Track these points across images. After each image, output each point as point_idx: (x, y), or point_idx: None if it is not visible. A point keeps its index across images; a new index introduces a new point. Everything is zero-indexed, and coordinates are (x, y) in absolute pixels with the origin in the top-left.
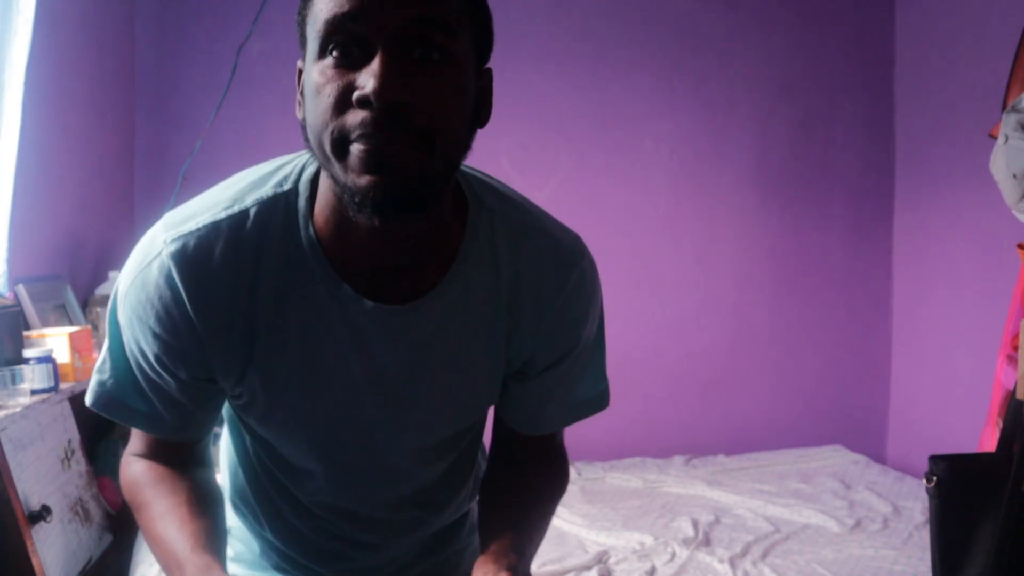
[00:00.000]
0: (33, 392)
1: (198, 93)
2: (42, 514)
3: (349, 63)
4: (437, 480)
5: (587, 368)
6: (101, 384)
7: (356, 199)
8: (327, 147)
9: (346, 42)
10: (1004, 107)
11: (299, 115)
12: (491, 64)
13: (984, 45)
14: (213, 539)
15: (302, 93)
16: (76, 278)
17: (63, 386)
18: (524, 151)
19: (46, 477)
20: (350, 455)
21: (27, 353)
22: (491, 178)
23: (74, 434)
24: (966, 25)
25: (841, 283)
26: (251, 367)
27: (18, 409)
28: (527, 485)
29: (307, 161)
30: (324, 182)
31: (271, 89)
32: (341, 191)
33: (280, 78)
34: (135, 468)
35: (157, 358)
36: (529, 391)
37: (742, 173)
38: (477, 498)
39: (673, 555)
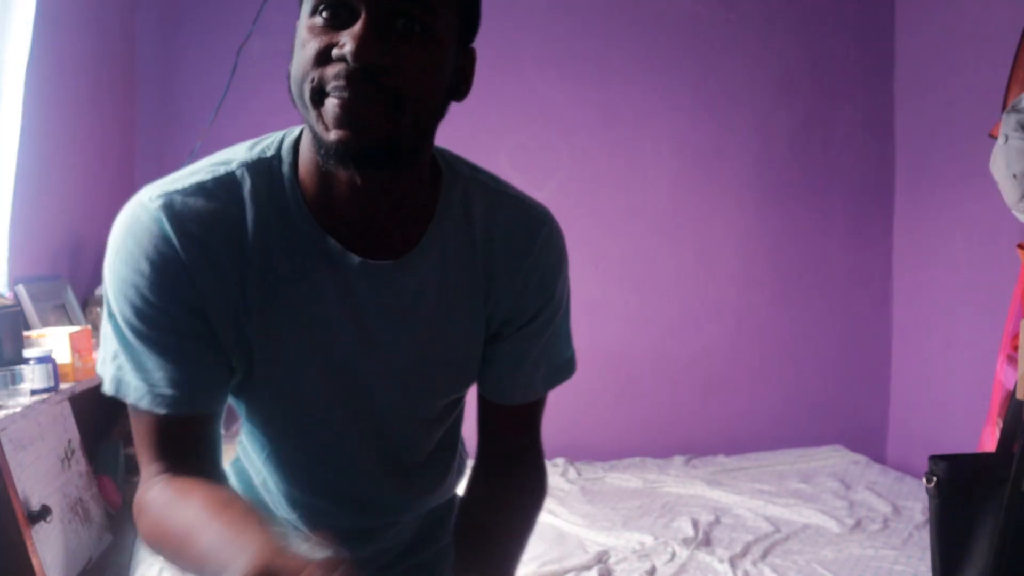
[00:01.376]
0: (33, 392)
1: (198, 93)
2: (42, 514)
3: (336, 24)
4: (424, 461)
5: (557, 332)
6: (115, 366)
7: (324, 151)
8: (306, 96)
9: (335, 5)
10: (1004, 107)
11: (289, 69)
12: (491, 64)
13: (984, 45)
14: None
15: (295, 50)
16: (76, 278)
17: (63, 386)
18: (524, 151)
19: (46, 477)
20: (342, 414)
21: (27, 353)
22: (465, 158)
23: (74, 434)
24: (966, 25)
25: (841, 283)
26: (245, 319)
27: (18, 409)
28: (507, 503)
29: (286, 133)
30: (306, 139)
31: (271, 89)
32: (315, 143)
33: (280, 78)
34: (154, 492)
35: (149, 303)
36: (505, 351)
37: (742, 173)
38: (460, 493)
39: (673, 555)
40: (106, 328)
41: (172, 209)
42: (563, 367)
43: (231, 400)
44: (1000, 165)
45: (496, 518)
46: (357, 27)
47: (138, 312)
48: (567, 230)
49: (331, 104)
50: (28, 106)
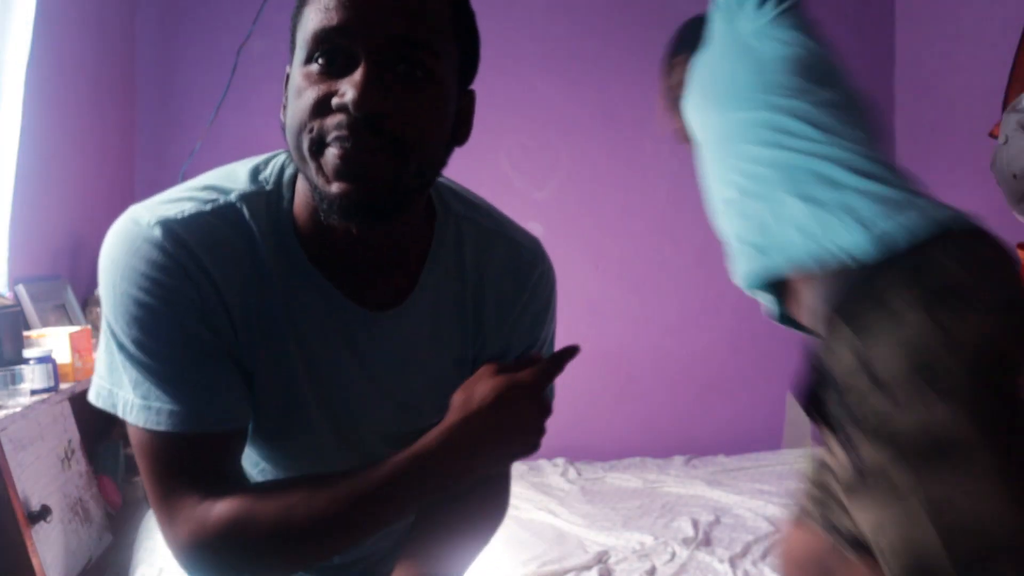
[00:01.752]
0: (33, 392)
1: (198, 93)
2: (42, 514)
3: (333, 71)
4: None
5: None
6: (139, 395)
7: (326, 204)
8: (304, 148)
9: (332, 51)
10: (1004, 107)
11: (282, 118)
12: (491, 64)
13: (984, 45)
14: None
15: (287, 97)
16: (76, 278)
17: (63, 386)
18: (524, 151)
19: (46, 477)
20: (333, 440)
21: (27, 353)
22: (457, 185)
23: (74, 434)
24: (966, 25)
25: None
26: (243, 350)
27: (18, 409)
28: (465, 516)
29: (285, 162)
30: (301, 184)
31: (271, 89)
32: (316, 195)
33: (280, 78)
34: (221, 506)
35: (164, 320)
36: None
37: None
38: None
39: (673, 555)
40: (114, 355)
41: (174, 236)
42: None
43: None
44: (1000, 165)
45: (450, 524)
46: (357, 75)
47: (153, 333)
48: (567, 230)
49: (332, 155)
50: (28, 106)
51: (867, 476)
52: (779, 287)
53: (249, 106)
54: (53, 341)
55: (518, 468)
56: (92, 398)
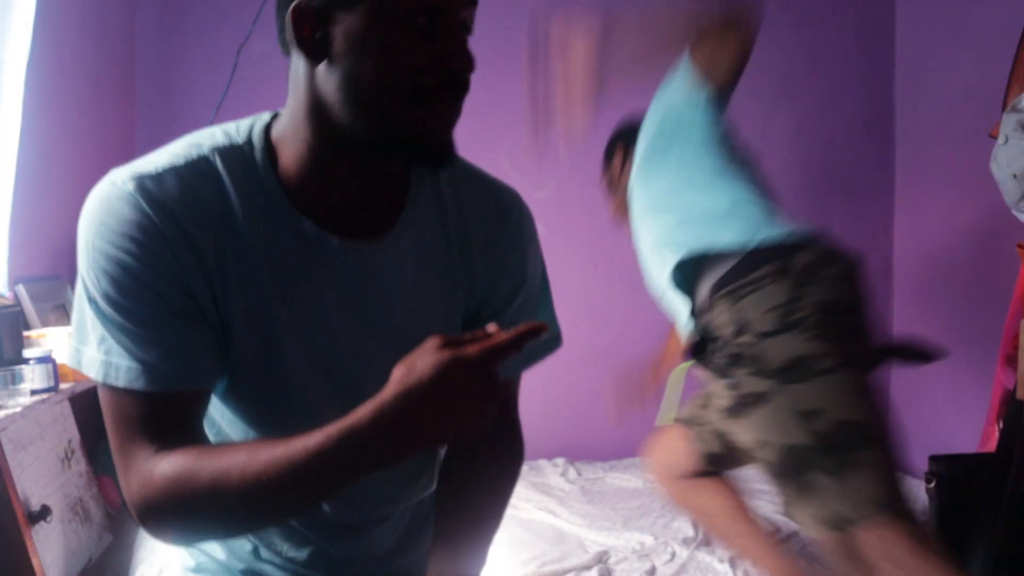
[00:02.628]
0: (33, 392)
1: (198, 93)
2: (42, 514)
3: (429, 33)
4: None
5: (538, 310)
6: (102, 351)
7: (420, 152)
8: (401, 101)
9: (433, 12)
10: (1004, 107)
11: (327, 66)
12: (491, 64)
13: (984, 45)
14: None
15: (348, 47)
16: (76, 278)
17: (63, 386)
18: (524, 151)
19: (46, 477)
20: (325, 392)
21: (27, 353)
22: None
23: (74, 434)
24: (966, 25)
25: None
26: (223, 300)
27: (18, 409)
28: (482, 474)
29: (253, 120)
30: (293, 131)
31: (271, 89)
32: (397, 142)
33: (280, 78)
34: (165, 463)
35: (135, 277)
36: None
37: None
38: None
39: (673, 555)
40: (84, 313)
41: (146, 190)
42: (548, 342)
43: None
44: (1000, 165)
45: (471, 492)
46: (461, 38)
47: (123, 289)
48: (567, 230)
49: (436, 111)
50: (28, 106)
51: (749, 400)
52: (687, 285)
53: (249, 106)
54: (53, 341)
55: None
56: (65, 358)
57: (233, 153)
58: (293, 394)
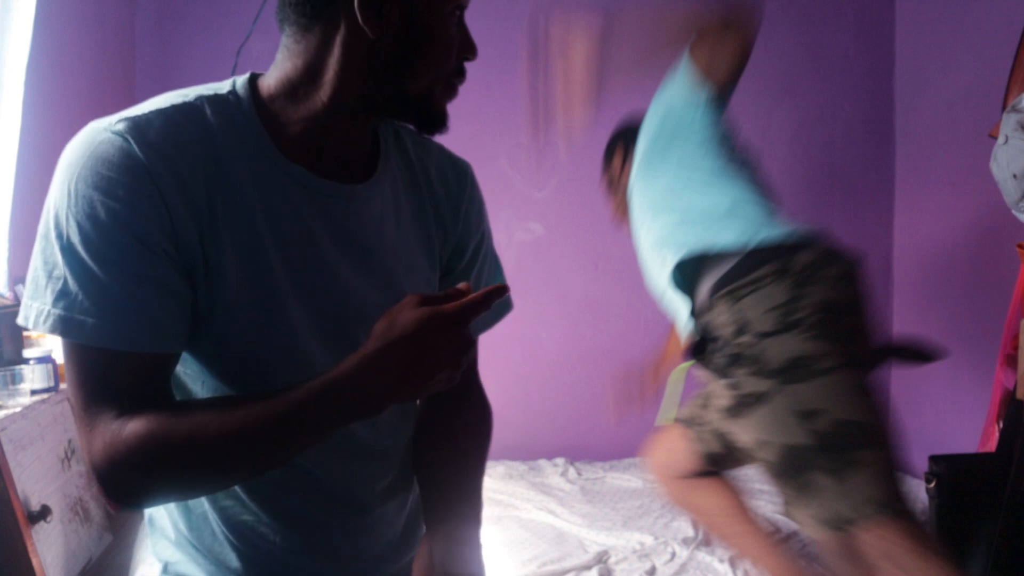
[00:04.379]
0: (33, 392)
1: None
2: (42, 514)
3: (459, 24)
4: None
5: (495, 268)
6: (64, 304)
7: (428, 117)
8: (427, 79)
9: (463, 9)
10: (1004, 107)
11: (370, 40)
12: (491, 64)
13: (984, 45)
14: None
15: (404, 25)
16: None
17: (63, 386)
18: (524, 151)
19: (46, 477)
20: (320, 339)
21: (27, 353)
22: None
23: (74, 434)
24: (966, 25)
25: None
26: (212, 242)
27: (18, 409)
28: (456, 444)
29: (234, 77)
30: (307, 93)
31: None
32: (405, 106)
33: None
34: (136, 422)
35: (121, 224)
36: (453, 283)
37: None
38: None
39: (673, 555)
40: (51, 259)
41: (137, 130)
42: (501, 306)
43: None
44: (1000, 165)
45: (456, 442)
46: (469, 34)
47: (106, 238)
48: (567, 230)
49: (451, 90)
50: (28, 106)
51: (749, 400)
52: (687, 285)
53: None
54: (53, 341)
55: (518, 468)
56: (20, 320)
57: (219, 100)
58: (286, 336)
